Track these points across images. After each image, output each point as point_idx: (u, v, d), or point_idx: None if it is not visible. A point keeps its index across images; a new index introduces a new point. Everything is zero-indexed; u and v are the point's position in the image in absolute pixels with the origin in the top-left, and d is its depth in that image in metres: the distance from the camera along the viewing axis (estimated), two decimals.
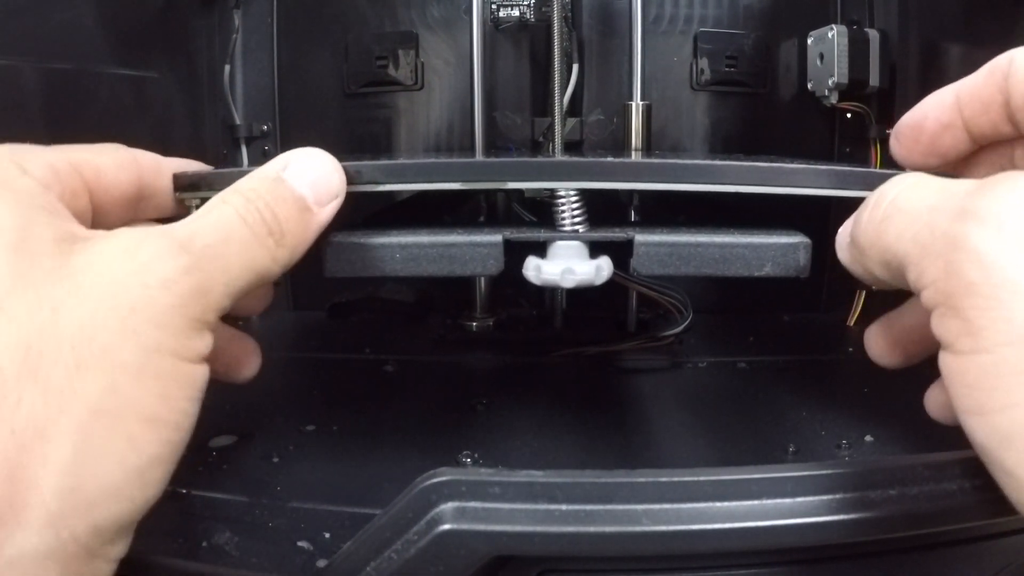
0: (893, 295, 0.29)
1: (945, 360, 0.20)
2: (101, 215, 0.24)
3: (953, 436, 0.25)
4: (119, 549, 0.20)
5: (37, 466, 0.18)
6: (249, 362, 0.27)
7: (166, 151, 0.28)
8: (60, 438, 0.18)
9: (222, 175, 0.28)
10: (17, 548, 0.18)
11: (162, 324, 0.19)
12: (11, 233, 0.19)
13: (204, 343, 0.21)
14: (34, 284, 0.19)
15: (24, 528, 0.18)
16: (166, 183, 0.26)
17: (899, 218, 0.22)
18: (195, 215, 0.22)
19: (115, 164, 0.24)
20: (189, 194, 0.27)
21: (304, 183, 0.23)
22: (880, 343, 0.29)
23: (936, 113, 0.25)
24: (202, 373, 0.21)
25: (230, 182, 0.27)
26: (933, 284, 0.20)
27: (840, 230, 0.25)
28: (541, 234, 0.30)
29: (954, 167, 0.27)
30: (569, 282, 0.29)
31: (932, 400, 0.26)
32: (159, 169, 0.26)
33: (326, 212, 0.24)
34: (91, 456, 0.18)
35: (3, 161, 0.21)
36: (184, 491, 0.30)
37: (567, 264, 0.29)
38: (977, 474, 0.22)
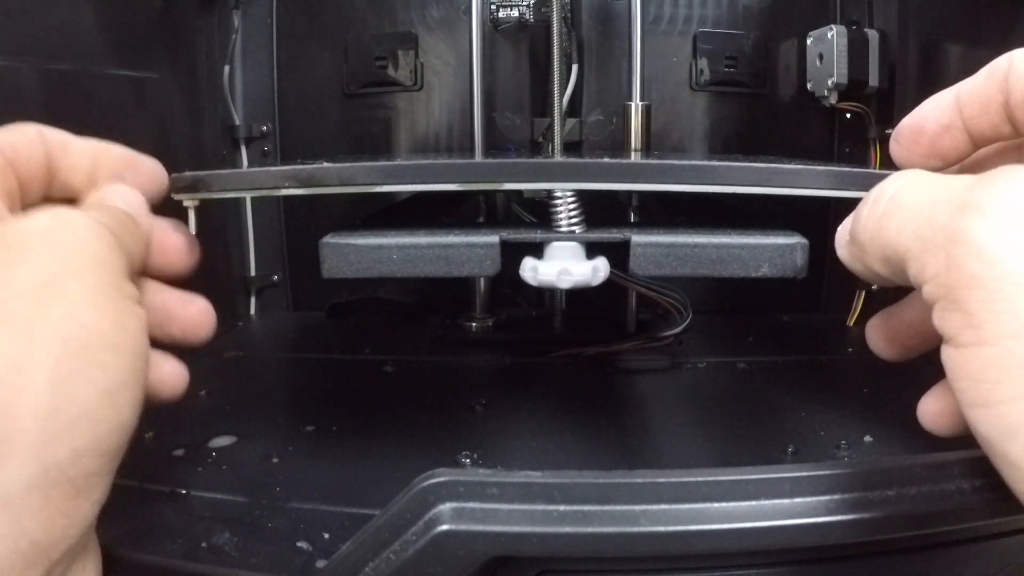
0: (893, 296, 0.29)
1: (948, 354, 0.20)
2: (23, 192, 0.25)
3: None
4: (100, 491, 0.21)
5: (15, 398, 0.19)
6: (170, 382, 0.26)
7: (166, 151, 0.28)
8: (35, 369, 0.19)
9: (219, 177, 0.28)
10: (1, 482, 0.19)
11: (103, 266, 0.22)
12: None
13: (135, 289, 0.23)
14: None
15: (7, 460, 0.19)
16: (73, 160, 0.27)
17: (899, 213, 0.22)
18: None
19: (25, 138, 0.25)
20: (187, 195, 0.27)
21: (128, 204, 0.26)
22: (880, 336, 0.29)
23: (936, 115, 0.25)
24: (143, 313, 0.23)
25: (224, 183, 0.27)
26: (934, 278, 0.20)
27: (839, 228, 0.25)
28: (538, 235, 0.30)
29: (958, 171, 0.27)
30: (565, 283, 0.29)
31: (926, 409, 0.25)
32: (65, 145, 0.26)
33: (145, 223, 0.27)
34: (66, 380, 0.20)
35: None
36: (184, 491, 0.30)
37: (563, 265, 0.29)
38: (976, 474, 0.22)
